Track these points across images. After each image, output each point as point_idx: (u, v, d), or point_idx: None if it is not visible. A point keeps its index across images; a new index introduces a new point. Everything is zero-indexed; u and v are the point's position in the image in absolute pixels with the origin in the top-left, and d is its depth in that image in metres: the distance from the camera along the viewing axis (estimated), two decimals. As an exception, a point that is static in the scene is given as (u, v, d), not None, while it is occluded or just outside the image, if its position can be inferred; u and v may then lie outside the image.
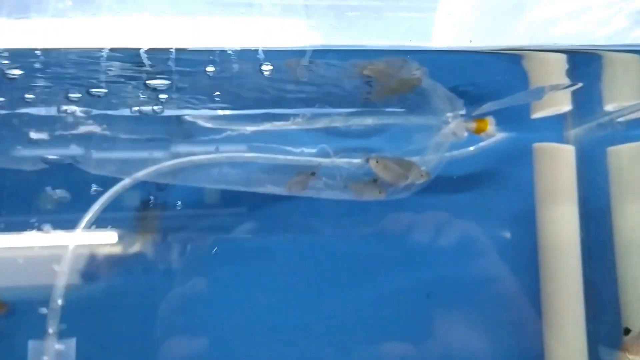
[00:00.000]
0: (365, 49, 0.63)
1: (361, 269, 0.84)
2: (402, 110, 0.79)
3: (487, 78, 0.75)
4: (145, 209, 0.84)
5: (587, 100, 0.83)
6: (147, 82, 0.70)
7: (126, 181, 0.74)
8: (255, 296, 0.82)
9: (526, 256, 0.82)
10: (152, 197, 0.84)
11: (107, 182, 0.76)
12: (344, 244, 0.84)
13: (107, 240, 0.80)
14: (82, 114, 0.71)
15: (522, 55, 0.66)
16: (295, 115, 0.80)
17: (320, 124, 0.81)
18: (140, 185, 0.80)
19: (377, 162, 0.75)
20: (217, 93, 0.74)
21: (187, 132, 0.81)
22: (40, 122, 0.71)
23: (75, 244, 0.73)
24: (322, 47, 0.62)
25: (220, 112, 0.77)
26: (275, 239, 0.83)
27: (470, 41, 0.60)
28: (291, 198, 0.81)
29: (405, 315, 0.83)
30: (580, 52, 0.64)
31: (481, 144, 0.83)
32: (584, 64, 0.70)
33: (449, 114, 0.76)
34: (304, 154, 0.81)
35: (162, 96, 0.73)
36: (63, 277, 0.70)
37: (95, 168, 0.73)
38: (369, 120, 0.83)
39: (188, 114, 0.75)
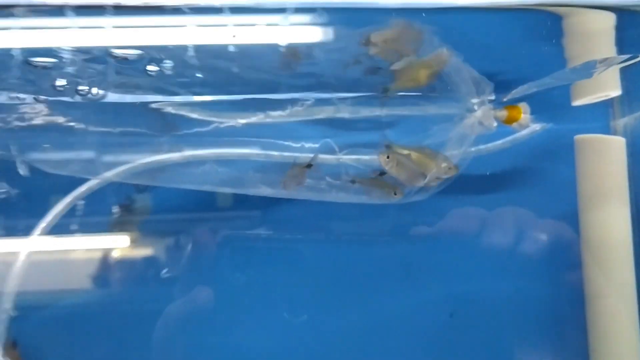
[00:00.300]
0: (370, 7, 0.52)
1: (376, 280, 0.76)
2: (419, 96, 0.68)
3: (519, 54, 0.65)
4: (124, 213, 0.75)
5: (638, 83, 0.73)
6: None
7: (92, 182, 0.63)
8: (266, 305, 0.75)
9: (568, 266, 0.74)
10: (130, 201, 0.74)
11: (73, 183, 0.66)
12: (359, 251, 0.77)
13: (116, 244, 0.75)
14: (39, 102, 0.61)
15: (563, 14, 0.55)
16: (294, 104, 0.71)
17: (323, 114, 0.72)
18: (118, 186, 0.71)
19: (387, 157, 0.63)
20: (198, 75, 0.63)
21: (170, 125, 0.72)
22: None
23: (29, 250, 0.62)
24: (319, 4, 0.51)
25: (199, 99, 0.66)
26: (289, 245, 0.76)
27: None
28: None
29: (424, 336, 0.75)
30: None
31: (513, 136, 0.73)
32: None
33: (475, 100, 0.64)
34: (305, 150, 0.72)
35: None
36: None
37: (56, 167, 0.62)
38: (381, 111, 0.73)
39: (159, 100, 0.64)
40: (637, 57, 0.61)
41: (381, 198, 0.69)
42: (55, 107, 0.64)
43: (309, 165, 0.67)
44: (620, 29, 0.66)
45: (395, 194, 0.68)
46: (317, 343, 0.75)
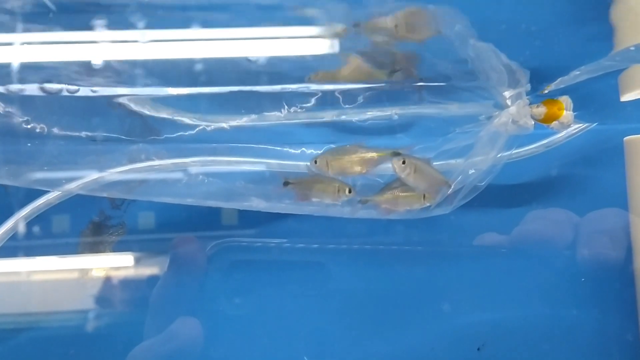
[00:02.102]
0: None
1: (393, 306, 0.69)
2: (439, 89, 0.59)
3: (559, 37, 0.56)
4: (96, 232, 0.68)
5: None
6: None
7: (51, 195, 0.54)
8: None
9: (620, 288, 0.65)
10: (103, 218, 0.67)
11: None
12: (372, 272, 0.69)
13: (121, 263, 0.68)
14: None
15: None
16: (292, 104, 0.62)
17: (327, 116, 0.64)
18: (90, 201, 0.64)
19: (403, 163, 0.53)
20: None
21: (150, 128, 0.63)
22: None
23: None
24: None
25: (175, 91, 0.57)
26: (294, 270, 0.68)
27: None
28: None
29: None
30: None
31: (552, 138, 0.65)
32: None
33: (508, 93, 0.54)
34: (305, 157, 0.64)
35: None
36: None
37: (8, 177, 0.52)
38: (392, 110, 0.64)
39: (125, 94, 0.56)
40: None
41: (406, 210, 0.60)
42: (10, 103, 0.55)
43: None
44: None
45: (424, 199, 0.58)
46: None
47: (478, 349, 0.66)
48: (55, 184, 0.56)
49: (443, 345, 0.67)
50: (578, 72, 0.54)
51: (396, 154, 0.55)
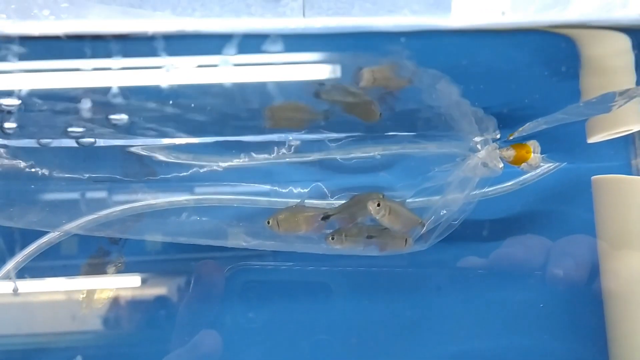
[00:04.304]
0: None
1: (375, 337, 0.71)
2: (417, 134, 0.62)
3: (528, 85, 0.59)
4: (95, 267, 0.69)
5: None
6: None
7: (52, 235, 0.57)
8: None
9: (589, 320, 0.67)
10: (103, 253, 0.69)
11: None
12: (355, 306, 0.71)
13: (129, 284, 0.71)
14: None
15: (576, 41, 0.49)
16: (281, 146, 0.65)
17: (313, 156, 0.68)
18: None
19: (378, 205, 0.56)
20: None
21: (146, 169, 0.66)
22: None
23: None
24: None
25: (179, 141, 0.60)
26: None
27: (503, 14, 0.43)
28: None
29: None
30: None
31: (523, 177, 0.68)
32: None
33: (478, 139, 0.58)
34: (293, 195, 0.67)
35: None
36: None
37: (10, 218, 0.56)
38: (375, 151, 0.68)
39: (138, 144, 0.59)
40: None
41: (392, 249, 0.63)
42: (16, 150, 0.59)
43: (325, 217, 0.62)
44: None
45: (406, 243, 0.62)
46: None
47: None
48: (55, 224, 0.59)
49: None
50: (542, 120, 0.57)
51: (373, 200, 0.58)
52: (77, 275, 0.69)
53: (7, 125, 0.51)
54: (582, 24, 0.52)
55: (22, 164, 0.59)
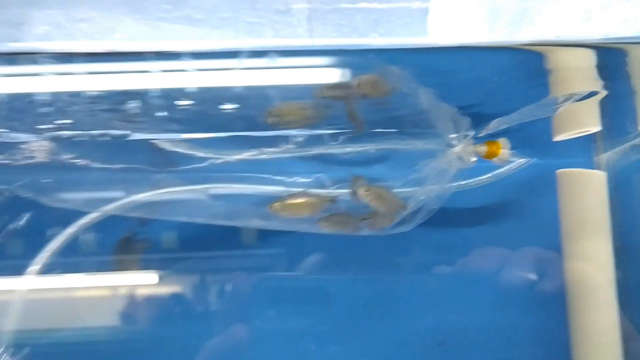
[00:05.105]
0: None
1: (363, 311, 0.77)
2: (404, 132, 0.71)
3: (500, 91, 0.66)
4: (127, 245, 0.78)
5: (620, 118, 0.74)
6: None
7: (93, 215, 0.67)
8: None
9: (552, 300, 0.74)
10: (132, 233, 0.78)
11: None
12: (346, 282, 0.77)
13: (146, 281, 0.77)
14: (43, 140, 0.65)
15: (544, 54, 0.57)
16: (286, 141, 0.73)
17: (315, 150, 0.75)
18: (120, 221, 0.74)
19: (367, 190, 0.66)
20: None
21: (169, 161, 0.75)
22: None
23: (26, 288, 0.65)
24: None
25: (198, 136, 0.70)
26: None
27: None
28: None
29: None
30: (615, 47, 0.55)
31: (497, 171, 0.75)
32: (617, 67, 0.61)
33: (453, 136, 0.66)
34: (297, 184, 0.75)
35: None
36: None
37: (59, 200, 0.66)
38: (369, 146, 0.75)
39: (162, 138, 0.69)
40: (598, 92, 0.63)
41: (380, 227, 0.70)
42: (61, 145, 0.69)
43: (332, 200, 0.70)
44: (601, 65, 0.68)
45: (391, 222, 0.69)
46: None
47: (440, 344, 0.75)
48: (96, 206, 0.70)
49: (409, 342, 0.75)
50: (503, 120, 0.66)
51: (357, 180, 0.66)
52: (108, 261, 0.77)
53: (59, 121, 0.62)
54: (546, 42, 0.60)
55: (68, 156, 0.70)
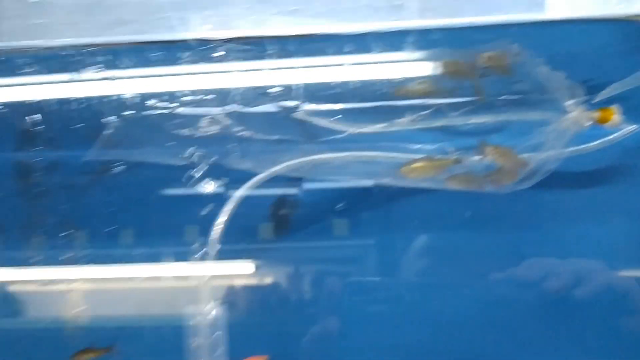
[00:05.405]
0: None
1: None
2: (519, 101, 0.79)
3: (612, 63, 0.72)
4: (280, 206, 0.92)
5: None
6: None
7: (262, 175, 0.83)
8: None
9: None
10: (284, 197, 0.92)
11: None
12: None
13: (242, 270, 0.86)
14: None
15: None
16: (411, 114, 0.83)
17: (438, 122, 0.84)
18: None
19: (494, 148, 0.75)
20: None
21: (312, 133, 0.88)
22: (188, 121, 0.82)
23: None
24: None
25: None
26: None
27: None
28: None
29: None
30: None
31: (608, 137, 0.78)
32: None
33: (569, 102, 0.74)
34: (422, 151, 0.84)
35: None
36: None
37: (236, 164, 0.82)
38: (489, 118, 0.83)
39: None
40: None
41: (505, 183, 0.77)
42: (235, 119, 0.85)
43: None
44: None
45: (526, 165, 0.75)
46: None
47: None
48: (261, 169, 0.85)
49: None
50: (617, 85, 0.71)
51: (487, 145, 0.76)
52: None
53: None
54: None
55: (237, 128, 0.86)
